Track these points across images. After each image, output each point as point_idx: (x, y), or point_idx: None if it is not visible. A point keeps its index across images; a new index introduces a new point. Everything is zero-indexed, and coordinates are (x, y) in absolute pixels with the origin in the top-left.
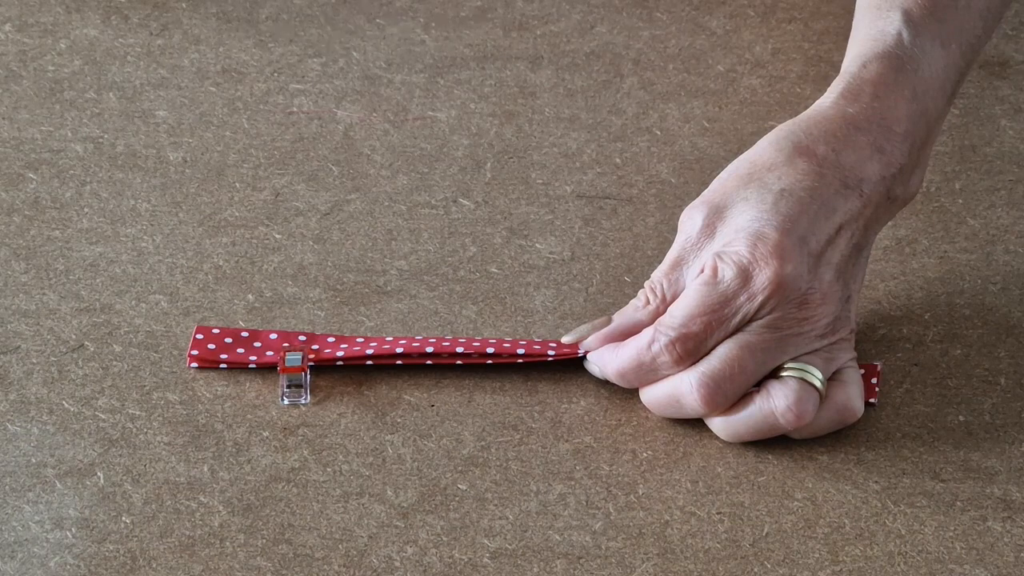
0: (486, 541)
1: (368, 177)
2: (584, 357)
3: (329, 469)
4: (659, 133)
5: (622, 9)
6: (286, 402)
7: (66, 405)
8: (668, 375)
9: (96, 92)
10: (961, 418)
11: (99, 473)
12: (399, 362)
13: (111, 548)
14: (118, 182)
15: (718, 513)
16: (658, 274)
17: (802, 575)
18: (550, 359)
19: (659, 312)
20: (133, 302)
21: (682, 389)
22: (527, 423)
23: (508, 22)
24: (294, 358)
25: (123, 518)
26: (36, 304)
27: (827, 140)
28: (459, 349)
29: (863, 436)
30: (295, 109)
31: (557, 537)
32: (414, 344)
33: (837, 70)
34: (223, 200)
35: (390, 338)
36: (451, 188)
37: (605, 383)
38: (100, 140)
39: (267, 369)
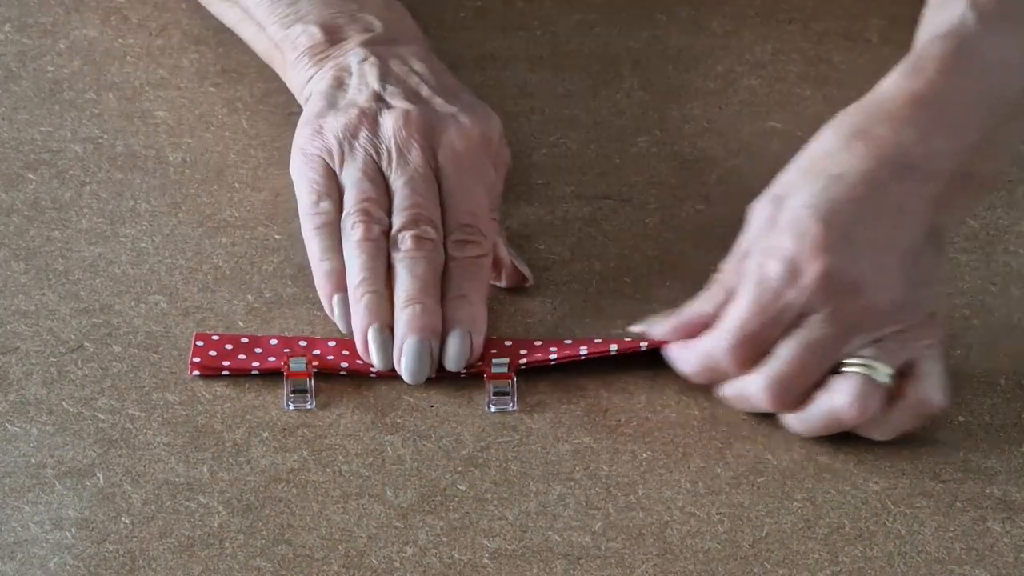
0: (486, 541)
1: None
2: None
3: (329, 470)
4: (659, 134)
5: (622, 10)
6: (291, 407)
7: (66, 406)
8: (737, 375)
9: (96, 92)
10: (961, 418)
11: (99, 473)
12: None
13: (111, 548)
14: (118, 182)
15: (718, 513)
16: (725, 265)
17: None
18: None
19: (722, 303)
20: (132, 303)
21: (750, 391)
22: (527, 423)
23: (508, 22)
24: (298, 364)
25: (123, 518)
26: (36, 304)
27: (887, 120)
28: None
29: (863, 436)
30: (295, 110)
31: (557, 537)
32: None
33: (837, 70)
34: (223, 201)
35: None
36: None
37: (604, 384)
38: (100, 140)
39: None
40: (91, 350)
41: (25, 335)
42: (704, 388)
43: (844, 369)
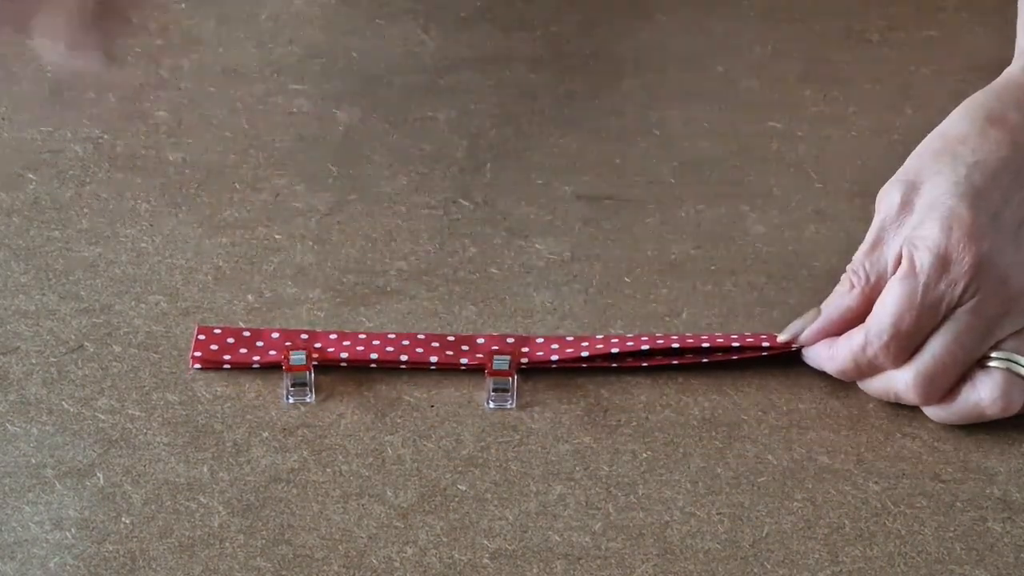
0: (486, 542)
1: (368, 178)
2: (799, 351)
3: (329, 470)
4: (659, 134)
5: (622, 10)
6: (291, 400)
7: (66, 406)
8: (891, 369)
9: (96, 92)
10: None
11: (99, 473)
12: (402, 366)
13: (111, 548)
14: (118, 183)
15: (718, 513)
16: (859, 256)
17: None
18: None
19: (865, 294)
20: (133, 303)
21: (898, 387)
22: (527, 423)
23: (508, 23)
24: (298, 357)
25: (123, 518)
26: (36, 304)
27: (1019, 106)
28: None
29: (863, 436)
30: (295, 110)
31: (557, 538)
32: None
33: (837, 70)
34: (223, 201)
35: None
36: (450, 189)
37: (604, 384)
38: (100, 141)
39: (267, 369)
40: (91, 350)
41: (25, 335)
42: (704, 388)
43: (989, 364)
